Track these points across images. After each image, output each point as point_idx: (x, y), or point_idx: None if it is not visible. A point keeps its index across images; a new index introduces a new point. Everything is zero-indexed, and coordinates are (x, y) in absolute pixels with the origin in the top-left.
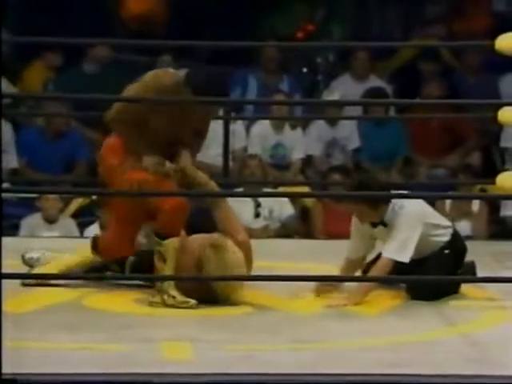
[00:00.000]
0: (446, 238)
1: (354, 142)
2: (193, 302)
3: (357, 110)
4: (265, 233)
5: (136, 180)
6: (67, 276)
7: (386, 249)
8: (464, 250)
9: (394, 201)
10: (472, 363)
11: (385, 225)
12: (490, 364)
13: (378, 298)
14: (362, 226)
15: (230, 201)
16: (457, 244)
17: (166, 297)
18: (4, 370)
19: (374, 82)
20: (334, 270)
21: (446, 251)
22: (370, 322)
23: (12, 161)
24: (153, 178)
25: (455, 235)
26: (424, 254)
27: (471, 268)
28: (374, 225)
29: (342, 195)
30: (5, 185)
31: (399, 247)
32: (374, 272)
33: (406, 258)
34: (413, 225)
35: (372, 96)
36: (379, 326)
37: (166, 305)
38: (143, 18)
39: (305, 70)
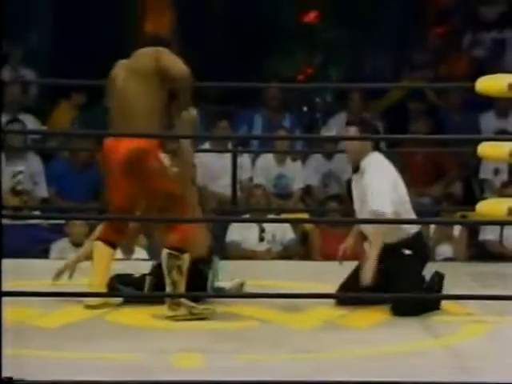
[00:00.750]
0: (414, 230)
1: (348, 173)
2: (211, 308)
3: None
4: (268, 255)
5: (165, 191)
6: (80, 294)
7: (370, 205)
8: (425, 247)
9: (370, 159)
10: (455, 371)
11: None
12: (470, 372)
13: (368, 312)
14: None
15: (238, 226)
16: (419, 243)
17: (186, 308)
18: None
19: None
20: (330, 288)
21: (407, 252)
22: (360, 333)
23: (42, 190)
24: (179, 193)
25: (420, 233)
26: (393, 239)
27: (440, 279)
28: (355, 170)
29: (338, 221)
30: (36, 212)
31: (376, 198)
32: (372, 229)
33: (387, 208)
34: (379, 174)
35: None
36: (369, 337)
37: (191, 314)
38: (161, 38)
39: (305, 108)
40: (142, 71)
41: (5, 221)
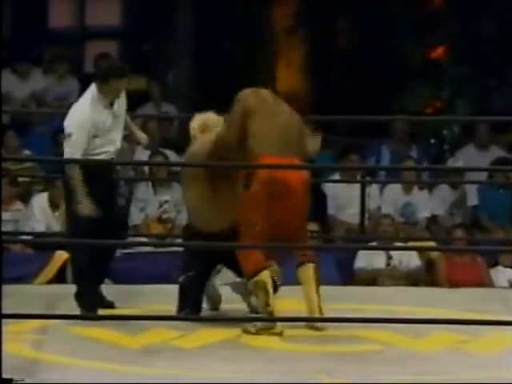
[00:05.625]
0: None
1: (473, 200)
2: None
3: (479, 175)
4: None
5: None
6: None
7: None
8: None
9: None
10: None
11: None
12: None
13: (490, 338)
14: None
15: (366, 253)
16: None
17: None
18: None
19: (495, 151)
20: (454, 314)
21: None
22: (483, 358)
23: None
24: None
25: None
26: None
27: None
28: None
29: (464, 249)
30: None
31: None
32: None
33: None
34: None
35: (497, 164)
36: (491, 362)
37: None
38: (291, 96)
39: (432, 140)
40: None
41: (149, 248)
